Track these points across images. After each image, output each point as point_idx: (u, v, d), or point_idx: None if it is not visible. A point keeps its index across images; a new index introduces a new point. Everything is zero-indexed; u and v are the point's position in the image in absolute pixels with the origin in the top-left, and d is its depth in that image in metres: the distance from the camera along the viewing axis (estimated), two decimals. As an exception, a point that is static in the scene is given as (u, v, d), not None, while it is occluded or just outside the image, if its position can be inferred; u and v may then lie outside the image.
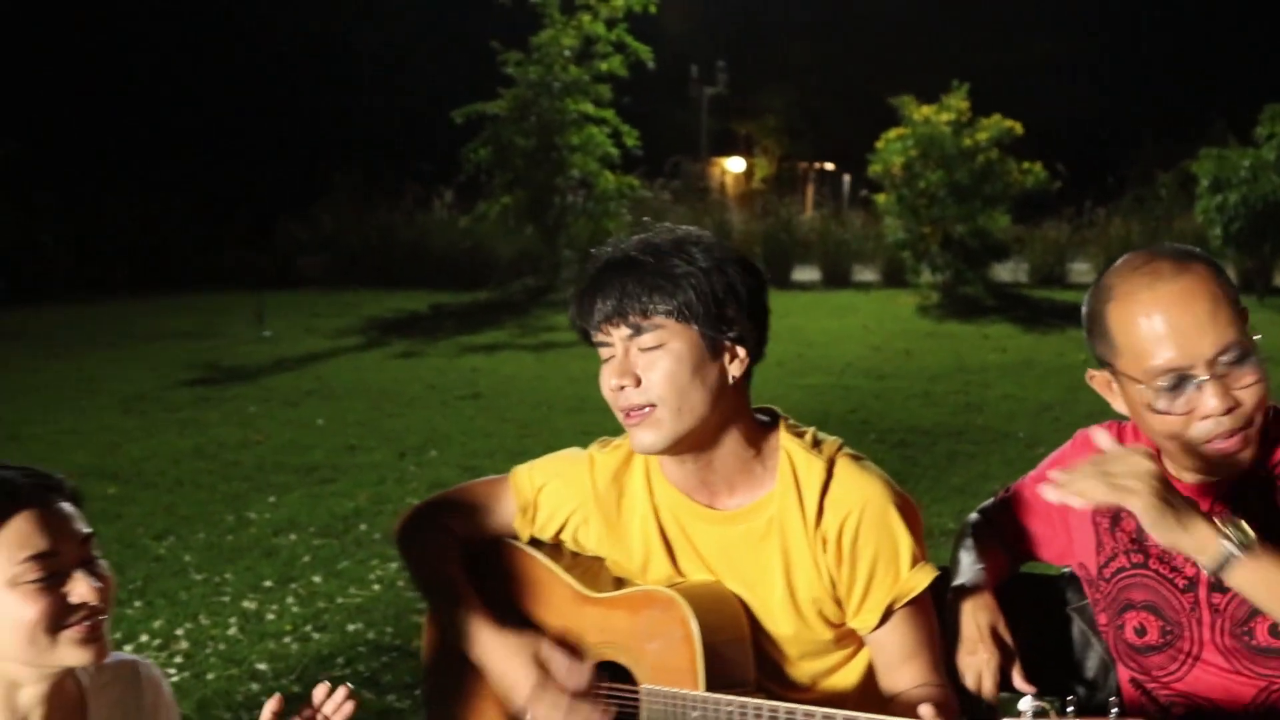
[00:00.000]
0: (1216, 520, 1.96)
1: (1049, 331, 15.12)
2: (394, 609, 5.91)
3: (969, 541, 2.51)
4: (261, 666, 5.22)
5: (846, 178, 32.38)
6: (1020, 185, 17.87)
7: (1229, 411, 2.05)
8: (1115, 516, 2.31)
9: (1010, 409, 10.54)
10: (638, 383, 2.24)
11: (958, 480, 8.07)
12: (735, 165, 39.20)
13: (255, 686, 5.01)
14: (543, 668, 2.31)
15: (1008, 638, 2.28)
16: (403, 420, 10.43)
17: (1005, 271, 20.03)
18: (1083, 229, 21.39)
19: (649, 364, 2.23)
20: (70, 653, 1.85)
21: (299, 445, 9.51)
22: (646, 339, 2.23)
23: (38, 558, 1.81)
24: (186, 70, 31.57)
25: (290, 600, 6.05)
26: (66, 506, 1.89)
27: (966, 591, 2.34)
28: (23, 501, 1.83)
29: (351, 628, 5.67)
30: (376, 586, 6.23)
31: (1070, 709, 1.76)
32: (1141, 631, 2.28)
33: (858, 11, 37.95)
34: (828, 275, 21.35)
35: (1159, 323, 2.05)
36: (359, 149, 27.35)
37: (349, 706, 2.02)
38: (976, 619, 2.29)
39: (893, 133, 17.97)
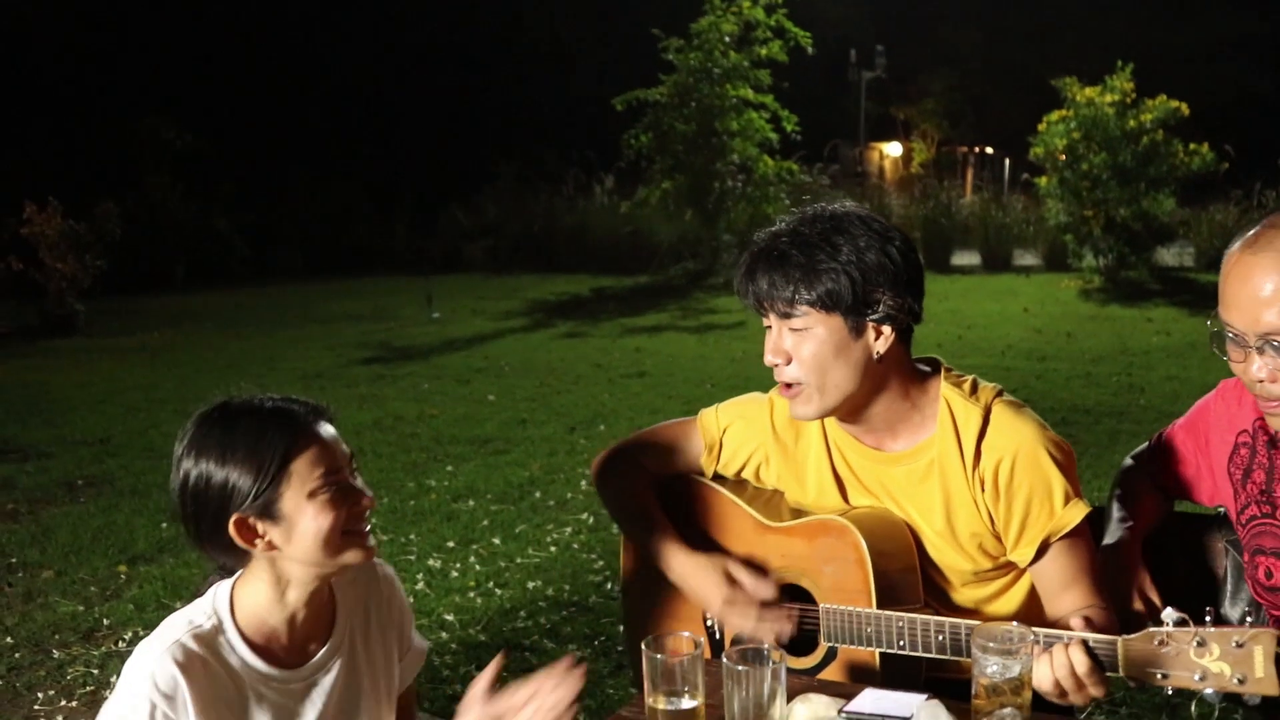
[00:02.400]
0: None
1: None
2: (570, 568, 6.23)
3: (1118, 492, 2.72)
4: (449, 617, 5.56)
5: (1007, 161, 32.01)
6: (1186, 167, 17.52)
7: (1270, 381, 2.23)
8: (1247, 469, 2.50)
9: (1173, 390, 10.49)
10: (789, 360, 2.48)
11: (1119, 458, 8.00)
12: (893, 150, 39.03)
13: (444, 635, 5.35)
14: (732, 582, 2.57)
15: (1153, 595, 2.48)
16: (570, 396, 10.77)
17: (1170, 255, 19.67)
18: (1251, 212, 20.85)
19: (797, 344, 2.47)
20: (352, 554, 2.13)
21: (472, 419, 9.90)
22: (795, 322, 2.46)
23: (329, 473, 2.09)
24: (357, 63, 32.40)
25: (472, 559, 6.40)
26: (333, 429, 2.16)
27: (1113, 551, 2.56)
28: (312, 428, 2.11)
29: (531, 585, 5.99)
30: (553, 549, 6.55)
31: (1207, 619, 1.97)
32: (1270, 574, 2.46)
33: (1019, -7, 37.44)
34: (987, 259, 21.23)
35: (1234, 286, 2.22)
36: (521, 137, 27.86)
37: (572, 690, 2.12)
38: (1122, 579, 2.50)
39: (1055, 115, 17.78)
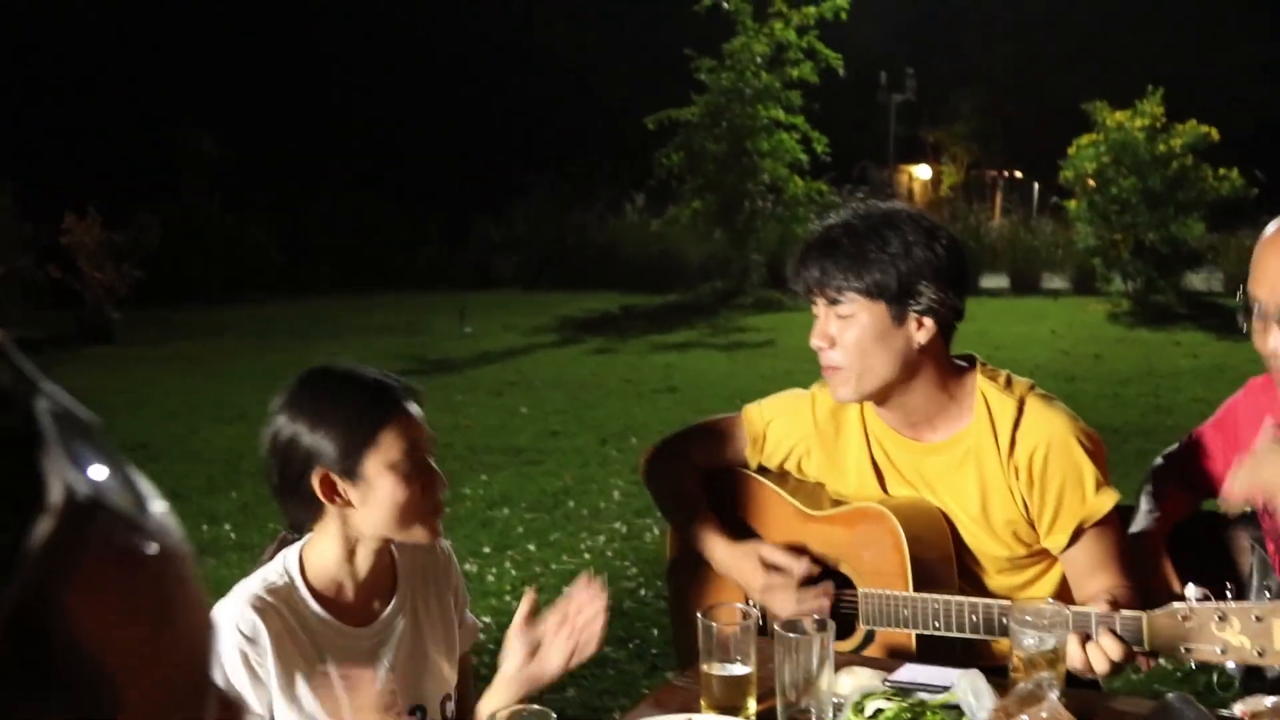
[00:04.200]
0: None
1: (1244, 338, 14.82)
2: (604, 574, 6.30)
3: (1149, 487, 2.83)
4: (485, 619, 5.66)
5: (1036, 185, 32.03)
6: (1215, 192, 17.50)
7: None
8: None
9: (1201, 411, 10.41)
10: (833, 344, 2.61)
11: (1145, 476, 8.15)
12: (923, 172, 39.07)
13: (481, 636, 5.42)
14: (769, 567, 2.70)
15: (1174, 580, 2.60)
16: (602, 410, 10.90)
17: (1198, 280, 19.62)
18: (1282, 238, 20.71)
19: (842, 330, 2.60)
20: (420, 532, 2.26)
21: (505, 430, 10.04)
22: (841, 309, 2.59)
23: (412, 449, 2.20)
24: (390, 76, 32.66)
25: (508, 565, 6.52)
26: (421, 410, 2.27)
27: (1138, 539, 2.70)
28: (403, 402, 2.22)
29: (566, 589, 6.08)
30: (587, 555, 6.68)
31: (1229, 594, 2.09)
32: None
33: (1049, 16, 37.45)
34: (1016, 282, 21.27)
35: (1264, 261, 2.41)
36: (553, 153, 27.99)
37: (599, 604, 2.35)
38: (1145, 565, 2.65)
39: (1085, 139, 17.79)
